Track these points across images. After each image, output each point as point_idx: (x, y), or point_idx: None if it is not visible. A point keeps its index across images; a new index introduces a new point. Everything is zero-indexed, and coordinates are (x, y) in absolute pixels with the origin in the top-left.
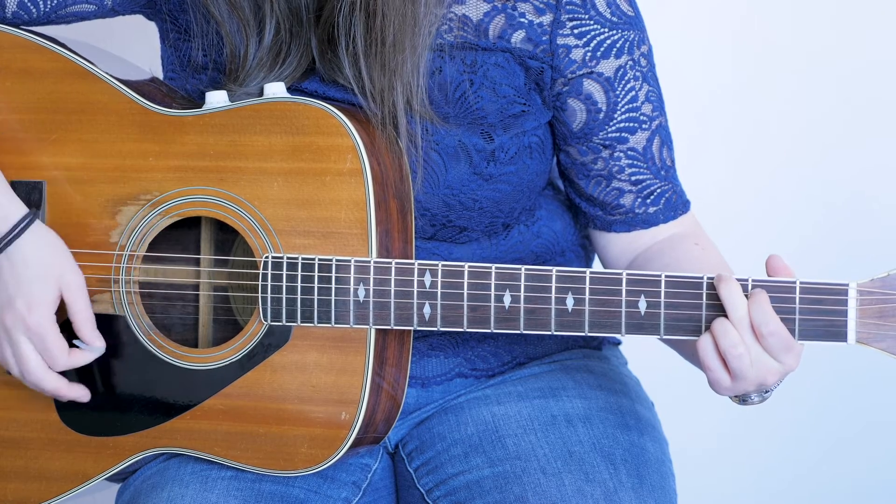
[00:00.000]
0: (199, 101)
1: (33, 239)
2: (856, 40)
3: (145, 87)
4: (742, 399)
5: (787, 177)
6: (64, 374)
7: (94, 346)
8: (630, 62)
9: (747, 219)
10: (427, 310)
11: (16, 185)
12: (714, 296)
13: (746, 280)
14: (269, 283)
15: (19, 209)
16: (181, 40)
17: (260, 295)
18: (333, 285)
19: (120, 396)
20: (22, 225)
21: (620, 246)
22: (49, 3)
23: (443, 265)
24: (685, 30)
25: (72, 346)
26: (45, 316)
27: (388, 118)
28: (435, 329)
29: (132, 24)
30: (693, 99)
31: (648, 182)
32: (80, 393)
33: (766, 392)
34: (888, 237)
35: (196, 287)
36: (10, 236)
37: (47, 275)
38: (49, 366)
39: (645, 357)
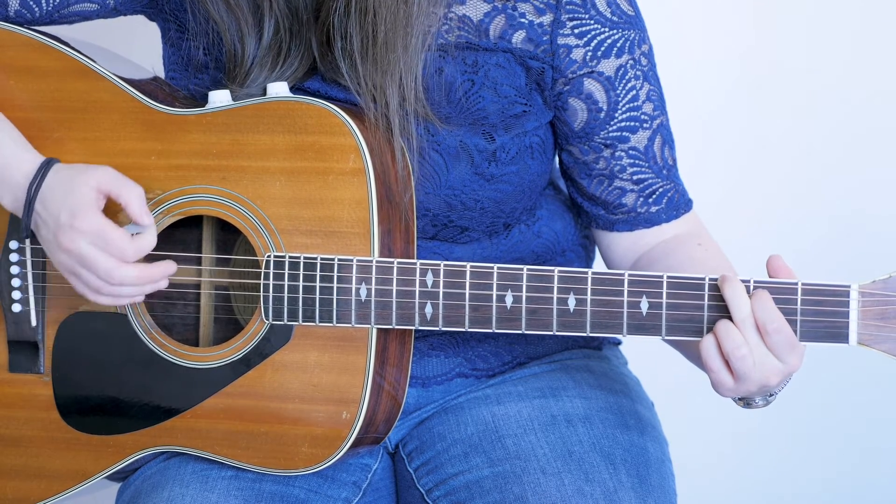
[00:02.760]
0: (201, 101)
1: (56, 174)
2: (863, 43)
3: (148, 86)
4: (746, 402)
5: (790, 179)
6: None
7: (144, 221)
8: (631, 61)
9: (750, 221)
10: (429, 309)
11: None
12: (716, 296)
13: (748, 281)
14: (271, 282)
15: (37, 157)
16: (183, 40)
17: (262, 294)
18: (335, 284)
19: (120, 395)
20: (43, 169)
21: (624, 246)
22: (51, 2)
23: (445, 265)
24: (691, 30)
25: None
26: (93, 214)
27: (382, 117)
28: (436, 329)
29: (133, 24)
30: (698, 100)
31: (650, 181)
32: (165, 266)
33: (771, 395)
34: (890, 239)
35: (197, 286)
36: (37, 179)
37: (77, 182)
38: (121, 258)
39: (645, 357)
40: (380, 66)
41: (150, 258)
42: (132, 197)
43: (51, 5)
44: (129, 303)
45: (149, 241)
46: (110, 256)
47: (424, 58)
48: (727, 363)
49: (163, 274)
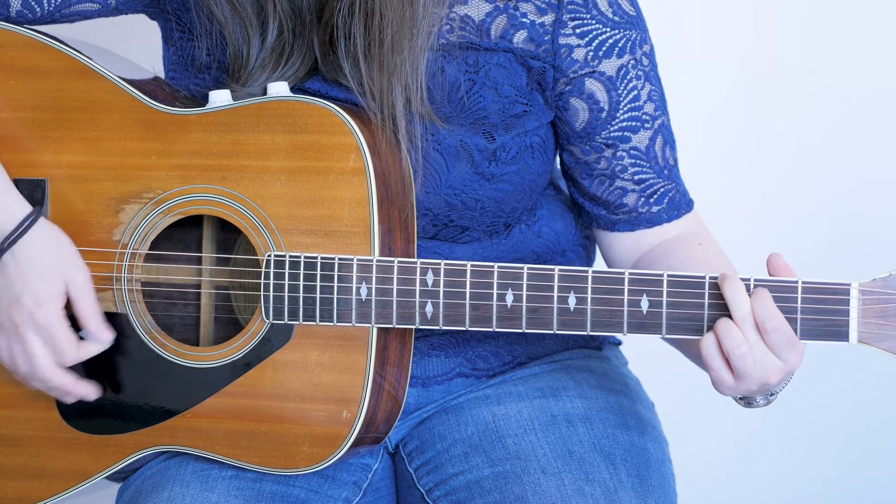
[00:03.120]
0: (201, 101)
1: (38, 236)
2: (863, 43)
3: (148, 86)
4: (747, 402)
5: (790, 178)
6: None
7: (101, 338)
8: (632, 61)
9: (750, 220)
10: (429, 308)
11: (19, 183)
12: (716, 295)
13: (749, 280)
14: (272, 281)
15: (24, 207)
16: (185, 39)
17: (262, 293)
18: (336, 284)
19: (121, 395)
20: (27, 223)
21: (625, 246)
22: (53, 2)
23: (445, 264)
24: (692, 30)
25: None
26: (53, 310)
27: (389, 119)
28: (436, 328)
29: (133, 23)
30: (699, 100)
31: (651, 181)
32: (88, 390)
33: (772, 395)
34: (890, 237)
35: (198, 285)
36: (16, 234)
37: (53, 271)
38: (58, 361)
39: (645, 357)
40: (385, 67)
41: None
42: (91, 311)
43: (52, 5)
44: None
45: (93, 350)
46: (48, 354)
47: (426, 58)
48: (727, 362)
49: (83, 396)
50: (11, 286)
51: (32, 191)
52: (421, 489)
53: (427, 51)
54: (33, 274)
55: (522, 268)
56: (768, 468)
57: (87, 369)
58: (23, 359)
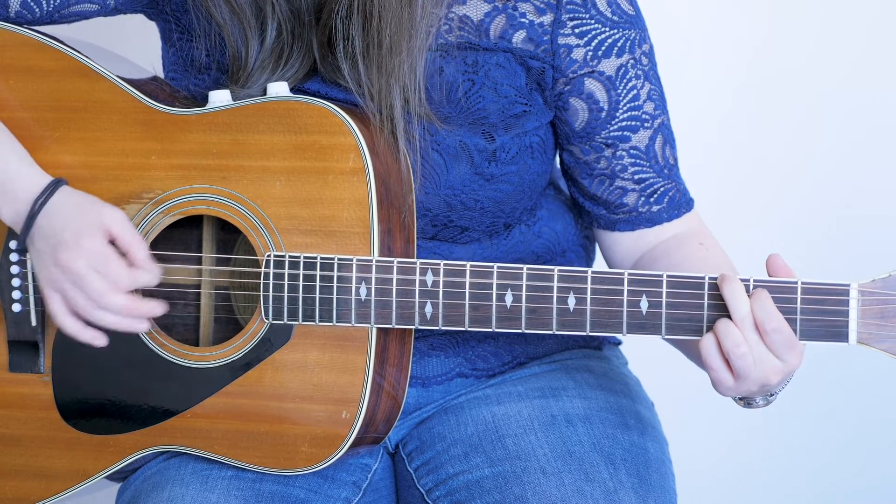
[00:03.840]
0: (201, 101)
1: (65, 195)
2: (864, 44)
3: (148, 86)
4: (747, 402)
5: (790, 178)
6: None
7: (150, 269)
8: (631, 61)
9: (750, 220)
10: (429, 309)
11: None
12: (716, 296)
13: (748, 280)
14: (271, 281)
15: (46, 177)
16: (184, 40)
17: (262, 293)
18: (335, 284)
19: (121, 395)
20: (52, 186)
21: (625, 245)
22: (52, 2)
23: (445, 264)
24: (693, 31)
25: None
26: (97, 238)
27: (387, 119)
28: (435, 328)
29: (133, 23)
30: (699, 101)
31: (652, 181)
32: (153, 305)
33: (771, 395)
34: (890, 238)
35: (198, 286)
36: (44, 196)
37: (86, 211)
38: (113, 286)
39: (645, 357)
40: (383, 68)
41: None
42: (138, 247)
43: (51, 5)
44: (93, 338)
45: (146, 278)
46: (105, 280)
47: (425, 58)
48: (727, 362)
49: (149, 311)
50: (51, 237)
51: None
52: (421, 489)
53: (426, 51)
54: (68, 218)
55: (522, 268)
56: (768, 468)
57: (88, 369)
58: (78, 292)
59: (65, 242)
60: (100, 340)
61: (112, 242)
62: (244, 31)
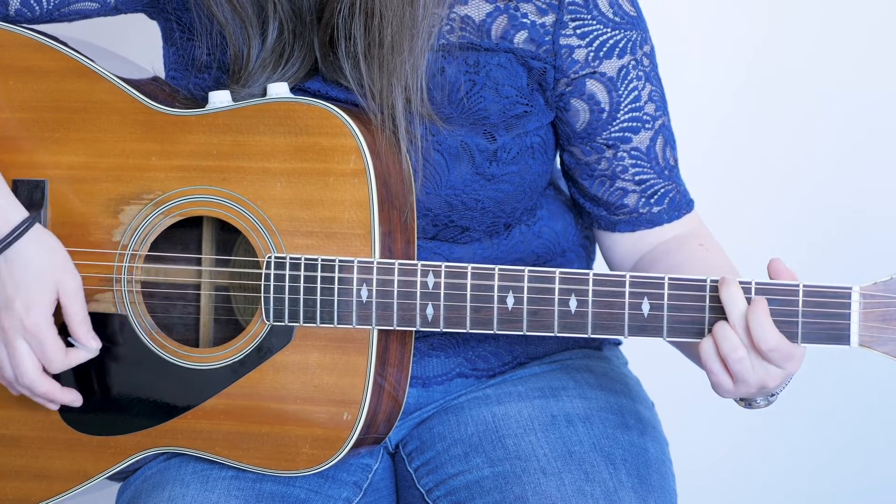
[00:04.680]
0: (201, 101)
1: (32, 242)
2: (865, 44)
3: (148, 87)
4: (748, 403)
5: (791, 181)
6: (60, 377)
7: (88, 346)
8: (633, 62)
9: (751, 222)
10: (430, 310)
11: (18, 184)
12: (717, 298)
13: (749, 283)
14: (272, 283)
15: (19, 212)
16: (185, 39)
17: (262, 295)
18: (336, 286)
19: (121, 396)
20: (22, 228)
21: (625, 246)
22: (52, 1)
23: (446, 266)
24: (694, 32)
25: (68, 345)
26: (43, 316)
27: (389, 119)
28: (436, 329)
29: (133, 23)
30: (700, 102)
31: (652, 182)
32: (73, 397)
33: (772, 396)
34: (891, 241)
35: (198, 287)
36: (9, 239)
37: (45, 277)
38: (45, 367)
39: (646, 357)
40: (385, 67)
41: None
42: (79, 319)
43: (51, 4)
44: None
45: (81, 357)
46: (35, 361)
47: (426, 58)
48: (726, 365)
49: (66, 402)
50: (4, 290)
51: (32, 192)
52: (421, 489)
53: (427, 51)
54: (25, 280)
55: (523, 270)
56: (768, 469)
57: (89, 368)
58: (8, 364)
59: (12, 310)
60: (48, 406)
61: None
62: (245, 30)
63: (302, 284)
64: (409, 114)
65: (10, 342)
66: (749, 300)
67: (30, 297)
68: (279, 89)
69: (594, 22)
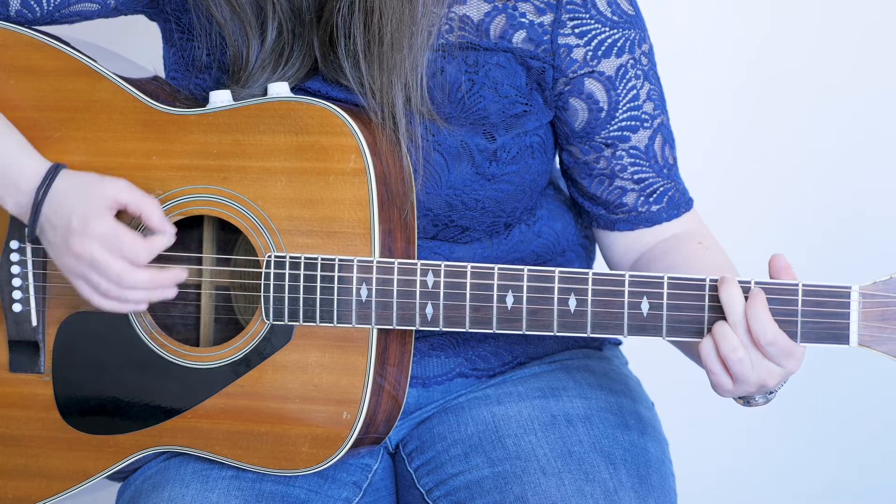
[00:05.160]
0: (202, 101)
1: (68, 178)
2: (866, 45)
3: (148, 86)
4: (746, 401)
5: (791, 180)
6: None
7: (164, 230)
8: (631, 61)
9: (751, 221)
10: (429, 310)
11: None
12: (717, 297)
13: (749, 282)
14: (272, 282)
15: (44, 163)
16: (185, 40)
17: (262, 294)
18: (336, 285)
19: (121, 395)
20: (51, 173)
21: (624, 245)
22: (52, 2)
23: (445, 265)
24: (695, 31)
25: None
26: (107, 219)
27: (389, 118)
28: (436, 329)
29: (133, 23)
30: (701, 101)
31: (651, 180)
32: (177, 273)
33: (770, 393)
34: (891, 240)
35: (198, 286)
36: (45, 185)
37: (92, 193)
38: (133, 262)
39: (646, 357)
40: (385, 65)
41: (158, 261)
42: (151, 209)
43: (51, 5)
44: (133, 310)
45: (162, 242)
46: (122, 259)
47: (426, 56)
48: (725, 365)
49: (173, 280)
50: (60, 226)
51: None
52: (421, 489)
53: (427, 49)
54: (73, 204)
55: (523, 269)
56: (768, 469)
57: (88, 369)
58: (100, 277)
59: (74, 230)
60: (165, 293)
61: (123, 211)
62: (245, 31)
63: (302, 284)
64: (409, 112)
65: (91, 257)
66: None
67: (84, 212)
68: (280, 89)
69: (592, 21)
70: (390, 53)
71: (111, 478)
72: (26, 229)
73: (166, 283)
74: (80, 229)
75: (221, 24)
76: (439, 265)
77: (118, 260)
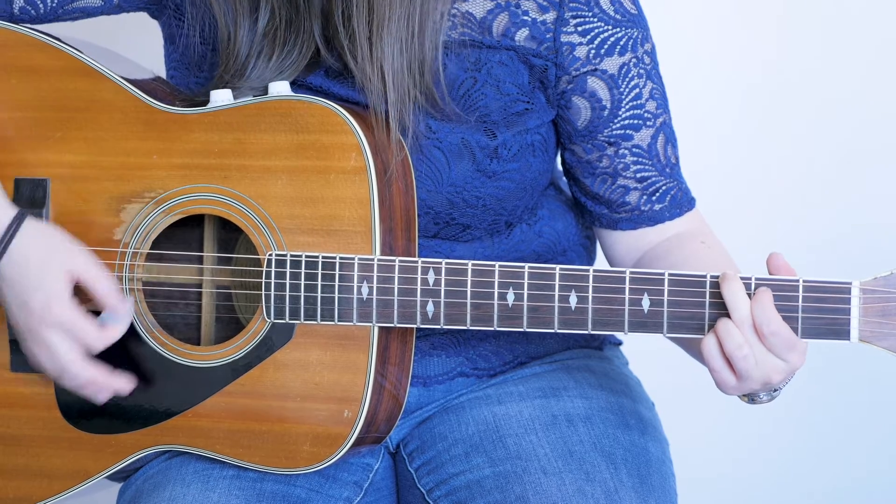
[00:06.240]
0: (202, 100)
1: (28, 236)
2: (866, 45)
3: (149, 86)
4: (751, 398)
5: (791, 176)
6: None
7: (122, 311)
8: (634, 59)
9: (751, 218)
10: (430, 308)
11: (20, 183)
12: (717, 294)
13: (749, 279)
14: (273, 280)
15: (8, 211)
16: (185, 36)
17: (263, 292)
18: (337, 283)
19: (122, 394)
20: (14, 226)
21: (627, 244)
22: None
23: (446, 263)
24: (695, 31)
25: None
26: (64, 305)
27: (393, 106)
28: (437, 328)
29: (134, 23)
30: (702, 101)
31: (654, 179)
32: (122, 383)
33: (775, 391)
34: (891, 236)
35: (199, 285)
36: (5, 240)
37: (52, 264)
38: (85, 351)
39: (646, 357)
40: (387, 49)
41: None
42: (105, 288)
43: (55, 1)
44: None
45: (119, 330)
46: (77, 348)
47: (432, 42)
48: (729, 363)
49: (115, 389)
50: (16, 292)
51: (34, 191)
52: (422, 489)
53: (429, 33)
54: (33, 274)
55: (523, 267)
56: (769, 468)
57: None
58: (48, 358)
59: (30, 308)
60: (97, 395)
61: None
62: (235, 10)
63: (303, 282)
64: (408, 108)
65: (42, 338)
66: (750, 296)
67: (44, 291)
68: (280, 87)
69: (595, 19)
70: (391, 36)
71: (112, 478)
72: None
73: (107, 388)
74: (38, 311)
75: (214, 5)
76: (440, 263)
77: (70, 348)
